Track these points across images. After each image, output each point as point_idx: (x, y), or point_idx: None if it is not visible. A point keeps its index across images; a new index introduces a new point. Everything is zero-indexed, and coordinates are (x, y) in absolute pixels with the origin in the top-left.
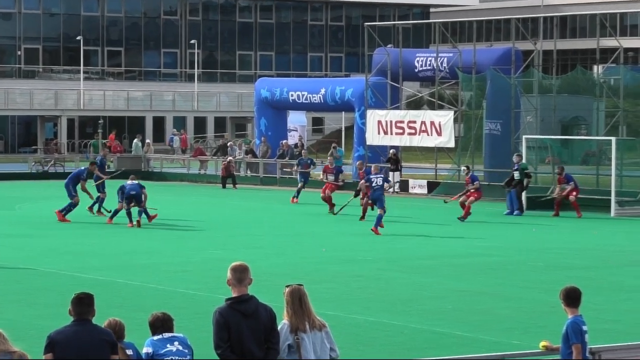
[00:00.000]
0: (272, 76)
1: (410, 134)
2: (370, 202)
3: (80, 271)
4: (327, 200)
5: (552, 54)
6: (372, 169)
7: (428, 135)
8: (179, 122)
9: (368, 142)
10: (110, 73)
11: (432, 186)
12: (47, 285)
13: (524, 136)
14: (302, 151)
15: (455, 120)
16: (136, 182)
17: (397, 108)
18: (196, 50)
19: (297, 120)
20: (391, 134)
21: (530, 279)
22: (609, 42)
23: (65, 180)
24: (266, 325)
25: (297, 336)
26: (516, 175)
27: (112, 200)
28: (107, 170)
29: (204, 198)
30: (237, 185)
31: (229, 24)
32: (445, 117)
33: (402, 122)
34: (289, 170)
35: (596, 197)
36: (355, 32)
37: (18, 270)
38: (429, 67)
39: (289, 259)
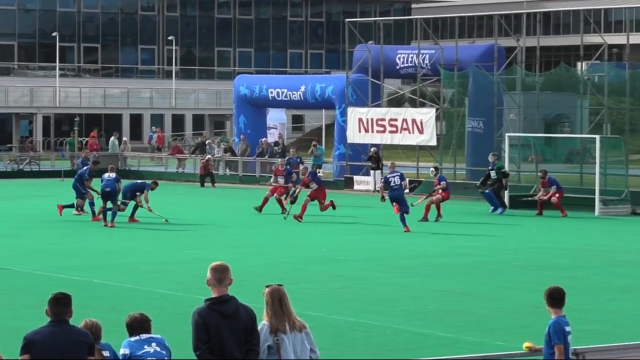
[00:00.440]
0: (251, 73)
1: (391, 132)
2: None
3: (56, 271)
4: (279, 202)
5: (535, 51)
6: (389, 166)
7: (410, 133)
8: (157, 120)
9: (349, 140)
10: (86, 70)
11: (413, 185)
12: (23, 286)
13: (506, 134)
14: (291, 150)
15: (437, 118)
16: (114, 175)
17: (379, 105)
18: (174, 47)
19: (276, 118)
20: (372, 131)
21: (513, 279)
22: (593, 39)
23: (72, 182)
24: (246, 326)
25: (276, 337)
26: (492, 174)
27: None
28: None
29: (182, 197)
30: (215, 184)
31: (208, 20)
32: (427, 115)
33: (383, 119)
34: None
35: (580, 196)
36: (335, 29)
37: None
38: (411, 64)
39: (268, 258)
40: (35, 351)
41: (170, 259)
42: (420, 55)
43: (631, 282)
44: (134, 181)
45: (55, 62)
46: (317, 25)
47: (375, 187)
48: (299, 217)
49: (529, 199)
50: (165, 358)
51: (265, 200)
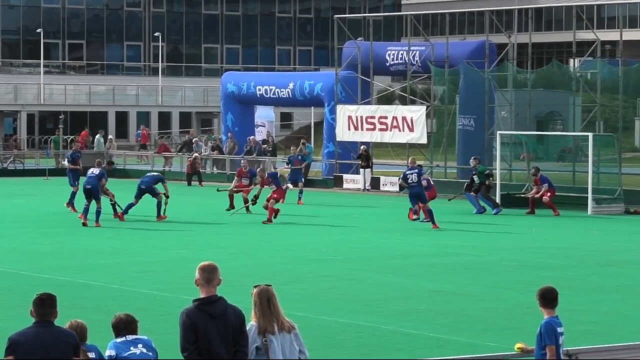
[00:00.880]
0: (238, 70)
1: (381, 129)
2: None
3: (40, 271)
4: (245, 200)
5: (527, 47)
6: (409, 162)
7: (400, 131)
8: (143, 118)
9: (338, 138)
10: (71, 67)
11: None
12: (6, 286)
13: (498, 132)
14: (291, 147)
15: (428, 115)
16: (97, 171)
17: (368, 103)
18: (160, 43)
19: (264, 116)
20: (362, 129)
21: (505, 279)
22: (585, 35)
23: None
24: (235, 327)
25: (265, 338)
26: (476, 179)
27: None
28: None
29: (169, 196)
30: (203, 183)
31: (194, 16)
32: (417, 113)
33: (373, 117)
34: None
35: (573, 194)
36: (324, 25)
37: None
38: (401, 61)
39: (257, 258)
40: (20, 352)
41: (157, 259)
42: (411, 51)
43: (624, 282)
44: (152, 174)
45: (40, 58)
46: (306, 21)
47: (365, 186)
48: (268, 221)
49: (522, 195)
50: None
51: (231, 197)
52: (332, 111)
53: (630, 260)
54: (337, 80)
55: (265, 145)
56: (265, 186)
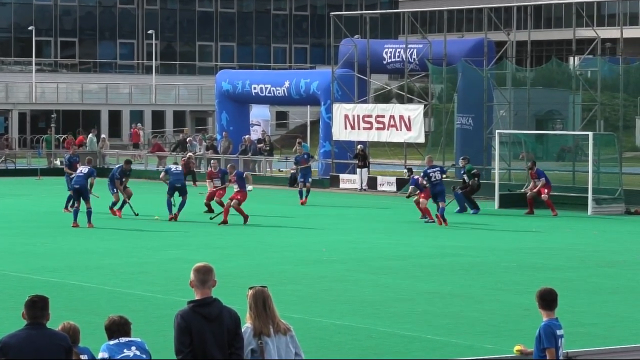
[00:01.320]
0: (233, 68)
1: (378, 128)
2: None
3: (32, 273)
4: (220, 204)
5: (526, 45)
6: (427, 160)
7: (397, 130)
8: (136, 116)
9: (334, 138)
10: (63, 65)
11: (401, 183)
12: None
13: (496, 131)
14: (297, 147)
15: (426, 114)
16: (86, 170)
17: (365, 102)
18: (154, 41)
19: (260, 115)
20: (358, 128)
21: (503, 280)
22: (585, 33)
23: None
24: (230, 329)
25: (260, 340)
26: (465, 178)
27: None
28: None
29: (162, 196)
30: (197, 183)
31: (188, 13)
32: (414, 111)
33: (370, 116)
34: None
35: (572, 194)
36: (320, 22)
37: None
38: (398, 59)
39: (252, 259)
40: (12, 355)
41: (150, 260)
42: (408, 49)
43: (624, 284)
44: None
45: (32, 56)
46: (302, 18)
47: (361, 186)
48: (223, 222)
49: (520, 191)
50: None
51: (208, 204)
52: (329, 110)
53: (631, 261)
54: (334, 78)
55: (262, 145)
56: (231, 184)
